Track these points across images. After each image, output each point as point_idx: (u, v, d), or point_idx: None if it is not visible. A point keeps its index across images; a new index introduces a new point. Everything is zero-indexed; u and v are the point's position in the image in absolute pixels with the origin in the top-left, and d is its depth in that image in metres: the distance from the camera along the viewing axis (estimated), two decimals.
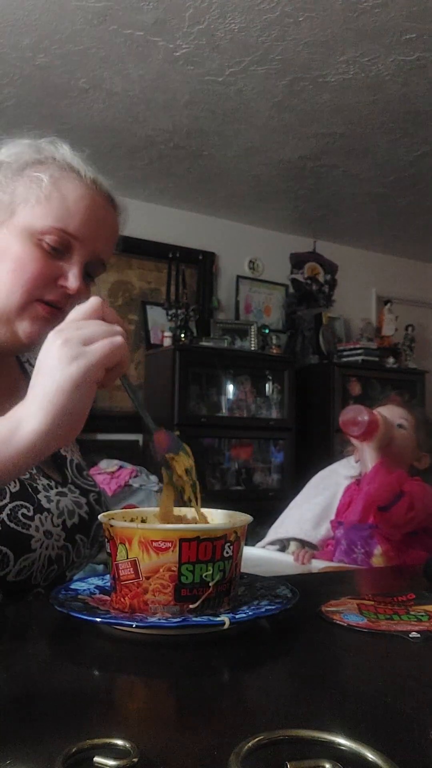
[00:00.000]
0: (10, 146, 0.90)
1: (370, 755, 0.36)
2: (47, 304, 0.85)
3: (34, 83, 2.87)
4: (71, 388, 0.64)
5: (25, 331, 0.86)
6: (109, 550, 0.66)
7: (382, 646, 0.61)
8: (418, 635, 0.62)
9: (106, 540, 0.67)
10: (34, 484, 0.87)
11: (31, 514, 0.83)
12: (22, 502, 0.83)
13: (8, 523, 0.80)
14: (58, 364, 0.65)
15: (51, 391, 0.65)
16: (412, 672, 0.55)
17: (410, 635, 0.62)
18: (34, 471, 0.90)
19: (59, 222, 0.83)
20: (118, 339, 0.67)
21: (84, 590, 0.72)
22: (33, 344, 0.88)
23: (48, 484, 0.90)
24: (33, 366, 1.06)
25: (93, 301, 0.71)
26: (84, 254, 0.86)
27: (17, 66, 2.74)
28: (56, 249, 0.84)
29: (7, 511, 0.81)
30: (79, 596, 0.69)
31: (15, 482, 0.84)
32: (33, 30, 2.51)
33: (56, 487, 0.91)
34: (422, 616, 0.70)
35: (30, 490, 0.86)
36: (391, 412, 1.69)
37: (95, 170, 0.90)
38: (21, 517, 0.82)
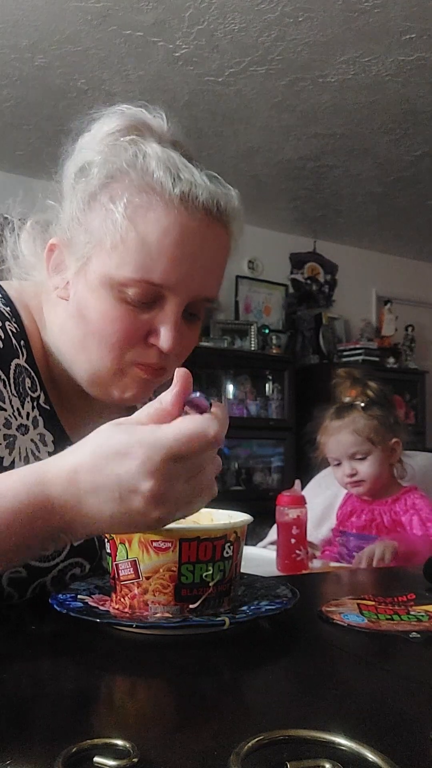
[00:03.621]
0: (94, 131, 0.74)
1: (370, 755, 0.36)
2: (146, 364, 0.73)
3: (33, 84, 2.87)
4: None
5: (122, 395, 0.75)
6: (109, 550, 0.66)
7: (382, 646, 0.61)
8: (418, 635, 0.62)
9: (106, 540, 0.67)
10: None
11: (85, 573, 0.77)
12: (78, 560, 0.76)
13: (49, 588, 0.74)
14: (135, 523, 0.56)
15: (128, 530, 0.58)
16: (412, 672, 0.55)
17: (410, 635, 0.62)
18: None
19: (140, 272, 0.68)
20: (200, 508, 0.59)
21: (84, 590, 0.72)
22: (133, 403, 0.78)
23: None
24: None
25: (209, 436, 0.54)
26: (179, 301, 0.70)
27: (16, 67, 2.74)
28: (142, 301, 0.70)
29: (54, 572, 0.74)
30: (79, 596, 0.69)
31: None
32: (32, 30, 2.51)
33: None
34: (422, 616, 0.70)
35: (97, 542, 0.77)
36: (342, 445, 1.63)
37: (192, 170, 0.71)
38: (68, 581, 0.75)
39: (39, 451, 0.76)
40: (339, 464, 1.67)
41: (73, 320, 0.74)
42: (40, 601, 0.80)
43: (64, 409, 0.81)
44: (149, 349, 0.72)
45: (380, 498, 1.65)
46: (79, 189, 0.72)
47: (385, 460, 1.64)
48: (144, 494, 0.53)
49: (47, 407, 0.78)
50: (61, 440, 0.78)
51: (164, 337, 0.70)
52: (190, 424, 0.54)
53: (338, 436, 1.65)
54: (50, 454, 0.74)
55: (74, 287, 0.73)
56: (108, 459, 0.54)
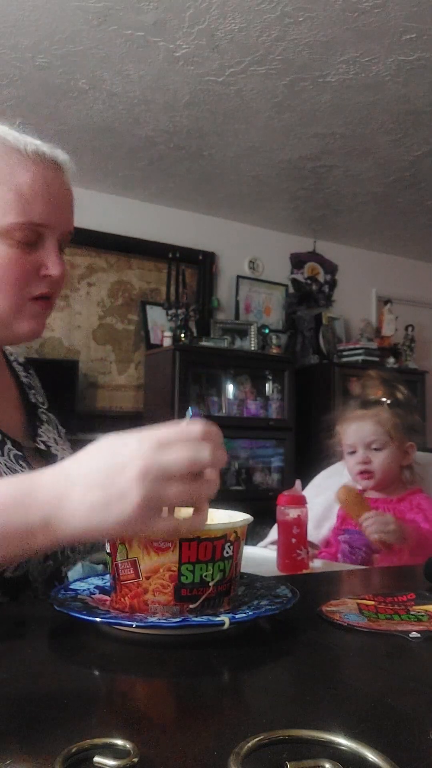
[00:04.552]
0: None
1: (370, 755, 0.36)
2: (40, 297, 0.87)
3: (33, 84, 2.87)
4: (123, 528, 0.58)
5: (24, 330, 0.88)
6: (109, 550, 0.66)
7: (382, 646, 0.61)
8: (418, 635, 0.62)
9: (106, 540, 0.67)
10: None
11: None
12: None
13: None
14: (131, 510, 0.56)
15: (108, 521, 0.57)
16: (412, 672, 0.55)
17: (410, 635, 0.62)
18: (26, 469, 0.88)
19: (21, 216, 0.83)
20: (213, 489, 0.59)
21: (83, 590, 0.72)
22: (33, 338, 0.91)
23: None
24: (21, 365, 1.07)
25: (194, 430, 0.59)
26: (55, 235, 0.87)
27: (17, 66, 2.74)
28: (28, 242, 0.84)
29: None
30: (79, 596, 0.69)
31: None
32: (33, 30, 2.51)
33: None
34: (422, 616, 0.70)
35: None
36: (361, 432, 1.65)
37: (29, 136, 0.87)
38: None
39: None
40: (353, 452, 1.67)
41: None
42: (40, 601, 0.80)
43: None
44: (41, 281, 0.87)
45: (385, 497, 1.65)
46: None
47: (398, 459, 1.65)
48: (132, 470, 0.56)
49: None
50: None
51: (52, 265, 0.86)
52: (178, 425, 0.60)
53: (360, 423, 1.66)
54: None
55: None
56: (103, 449, 0.59)
